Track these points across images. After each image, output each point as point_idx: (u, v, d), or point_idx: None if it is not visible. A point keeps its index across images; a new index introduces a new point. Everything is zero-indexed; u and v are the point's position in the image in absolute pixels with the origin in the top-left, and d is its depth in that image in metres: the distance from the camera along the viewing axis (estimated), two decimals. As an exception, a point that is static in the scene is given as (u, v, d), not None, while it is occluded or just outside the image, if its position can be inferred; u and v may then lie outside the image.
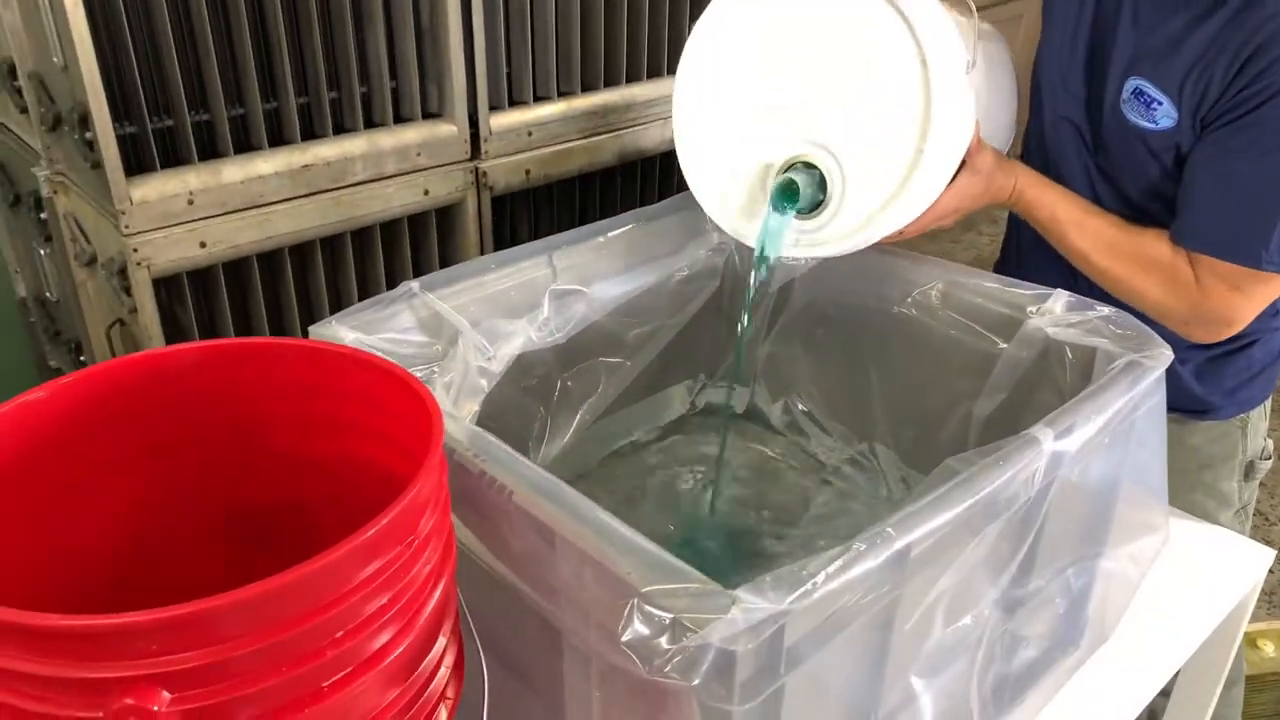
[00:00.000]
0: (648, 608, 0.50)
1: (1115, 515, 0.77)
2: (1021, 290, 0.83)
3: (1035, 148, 1.01)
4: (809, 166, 0.79)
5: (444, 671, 0.53)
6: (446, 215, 1.16)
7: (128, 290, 0.98)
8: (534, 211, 1.25)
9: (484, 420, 0.82)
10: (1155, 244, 0.88)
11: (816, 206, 0.79)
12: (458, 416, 0.66)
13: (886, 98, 0.73)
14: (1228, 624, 0.89)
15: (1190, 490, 1.07)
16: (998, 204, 0.88)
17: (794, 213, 0.79)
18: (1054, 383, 0.80)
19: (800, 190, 0.78)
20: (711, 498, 0.87)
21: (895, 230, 0.76)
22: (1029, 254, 1.07)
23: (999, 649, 0.73)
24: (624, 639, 0.50)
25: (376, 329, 0.76)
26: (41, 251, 1.17)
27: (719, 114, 0.82)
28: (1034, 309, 0.82)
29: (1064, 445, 0.65)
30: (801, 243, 0.81)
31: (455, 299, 0.81)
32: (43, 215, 1.10)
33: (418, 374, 0.76)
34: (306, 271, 1.09)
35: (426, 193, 1.12)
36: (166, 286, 1.01)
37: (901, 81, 0.71)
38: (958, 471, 0.61)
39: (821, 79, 0.75)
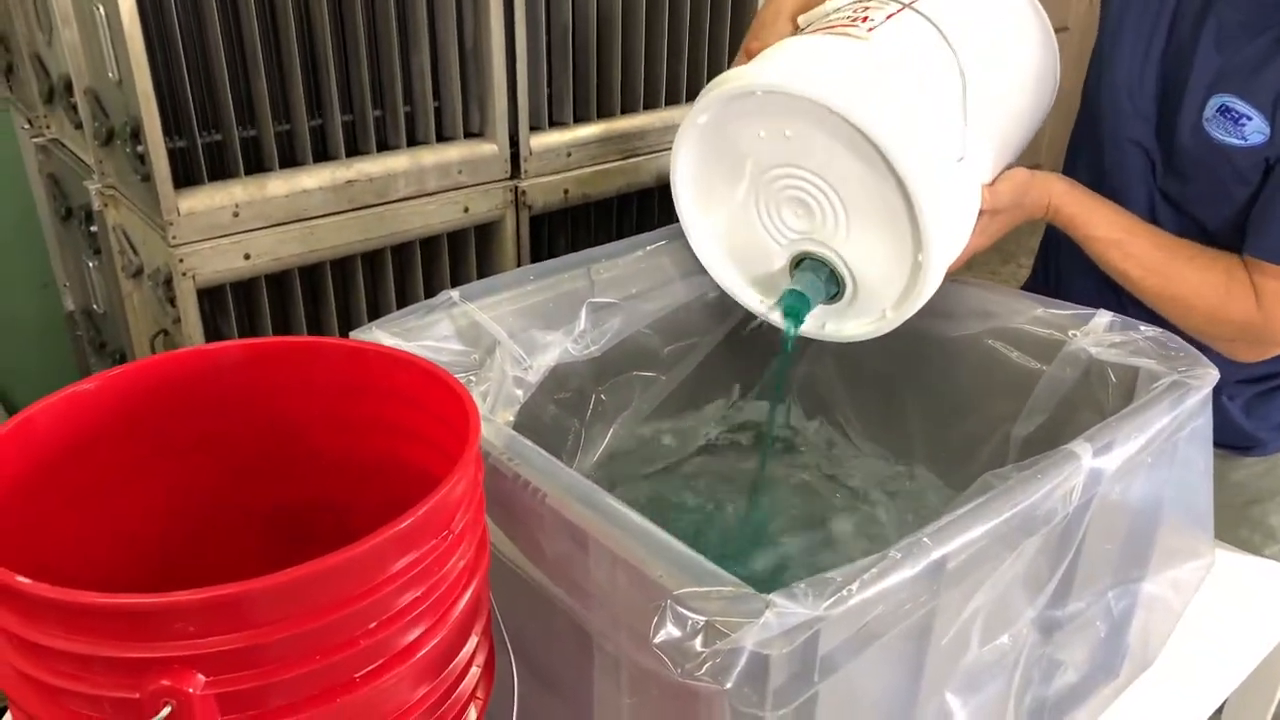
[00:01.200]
0: (680, 610, 0.50)
1: (1158, 539, 0.76)
2: (1062, 311, 0.82)
3: (1088, 165, 1.00)
4: (820, 261, 0.81)
5: (475, 671, 0.53)
6: (485, 233, 1.18)
7: (172, 300, 1.00)
8: (571, 231, 1.26)
9: (519, 430, 0.82)
10: (1208, 256, 0.86)
11: (834, 295, 0.81)
12: (493, 420, 0.66)
13: (875, 210, 0.73)
14: (1277, 654, 0.87)
15: (1236, 526, 1.05)
16: (1033, 219, 0.88)
17: (812, 307, 0.82)
18: (1096, 404, 0.79)
19: (814, 291, 0.80)
20: (746, 515, 0.86)
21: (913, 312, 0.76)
22: (1067, 271, 1.06)
23: (1037, 672, 0.72)
24: (656, 641, 0.50)
25: (416, 336, 0.76)
26: (91, 264, 1.20)
27: (724, 200, 0.84)
28: (1075, 330, 0.81)
29: (1103, 462, 0.64)
30: (827, 329, 0.84)
31: (494, 309, 0.82)
32: (93, 228, 1.13)
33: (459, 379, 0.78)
34: (348, 285, 1.11)
35: (466, 210, 1.13)
36: (210, 297, 1.03)
37: (884, 198, 0.71)
38: (994, 486, 0.60)
39: (817, 183, 0.77)
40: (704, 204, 0.85)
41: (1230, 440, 1.04)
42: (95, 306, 1.23)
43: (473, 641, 0.52)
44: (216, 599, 0.40)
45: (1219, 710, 0.87)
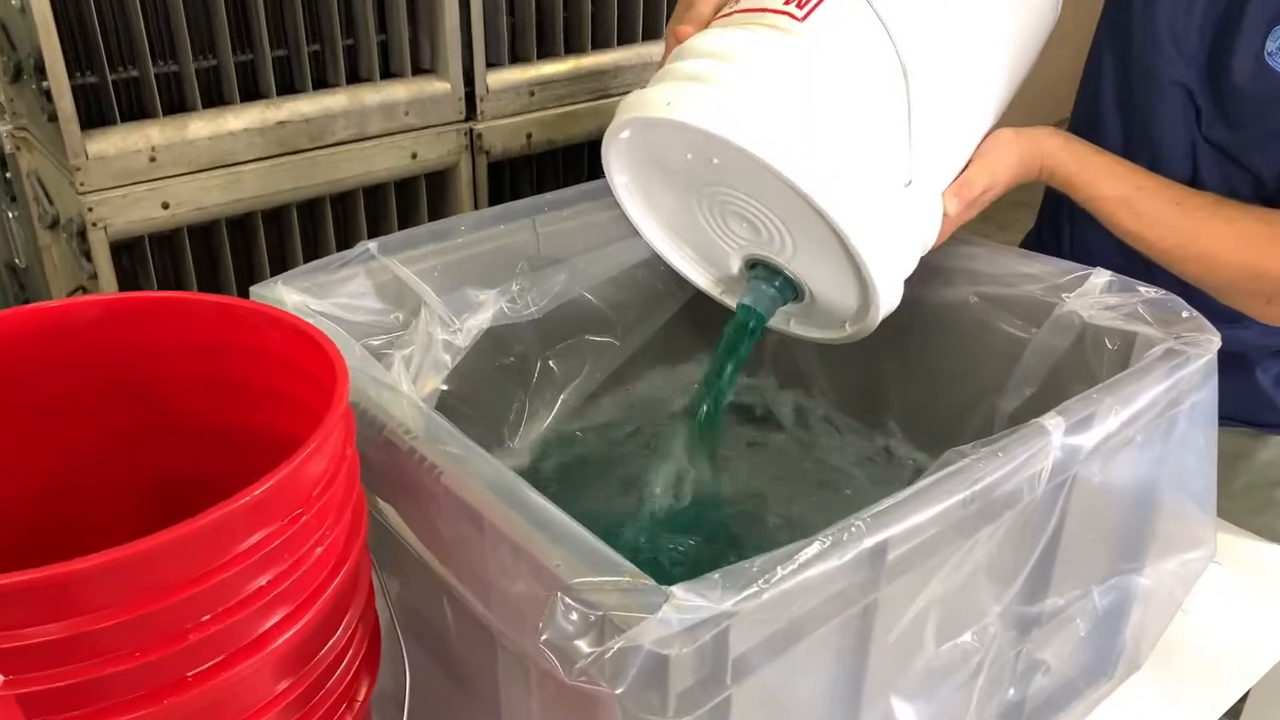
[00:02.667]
0: (571, 603, 0.48)
1: (1154, 526, 0.73)
2: (1054, 268, 0.79)
3: (1116, 113, 0.95)
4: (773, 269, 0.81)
5: (348, 663, 0.51)
6: (437, 182, 1.16)
7: (87, 254, 0.99)
8: (537, 180, 1.23)
9: (452, 400, 0.81)
10: (1233, 207, 0.83)
11: (795, 297, 0.81)
12: (396, 388, 0.64)
13: (817, 236, 0.72)
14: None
15: (1259, 511, 1.02)
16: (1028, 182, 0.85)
17: (767, 319, 0.82)
18: (1090, 375, 0.76)
19: (768, 302, 0.81)
20: (678, 495, 0.85)
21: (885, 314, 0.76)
22: (1081, 228, 1.02)
23: (1010, 673, 0.69)
24: (544, 638, 0.48)
25: (327, 293, 0.74)
26: (10, 215, 1.18)
27: (667, 202, 0.83)
28: (1068, 293, 0.78)
29: (1079, 439, 0.61)
30: (793, 326, 0.84)
31: (419, 264, 0.79)
32: (8, 174, 1.11)
33: (374, 345, 0.76)
34: (284, 239, 1.09)
35: (414, 156, 1.11)
36: (129, 251, 1.01)
37: (823, 227, 0.69)
38: (955, 461, 0.58)
39: (756, 206, 0.75)
40: (647, 204, 0.84)
41: (1259, 417, 1.01)
42: (18, 260, 1.21)
43: (344, 631, 0.50)
44: (14, 585, 0.38)
45: (1240, 705, 0.86)
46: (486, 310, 0.81)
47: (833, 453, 0.96)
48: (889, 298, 0.74)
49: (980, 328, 0.83)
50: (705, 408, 0.83)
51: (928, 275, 0.80)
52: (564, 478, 0.90)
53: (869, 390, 0.95)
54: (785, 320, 0.85)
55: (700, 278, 0.89)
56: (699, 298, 0.91)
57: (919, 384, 0.90)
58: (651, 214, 0.85)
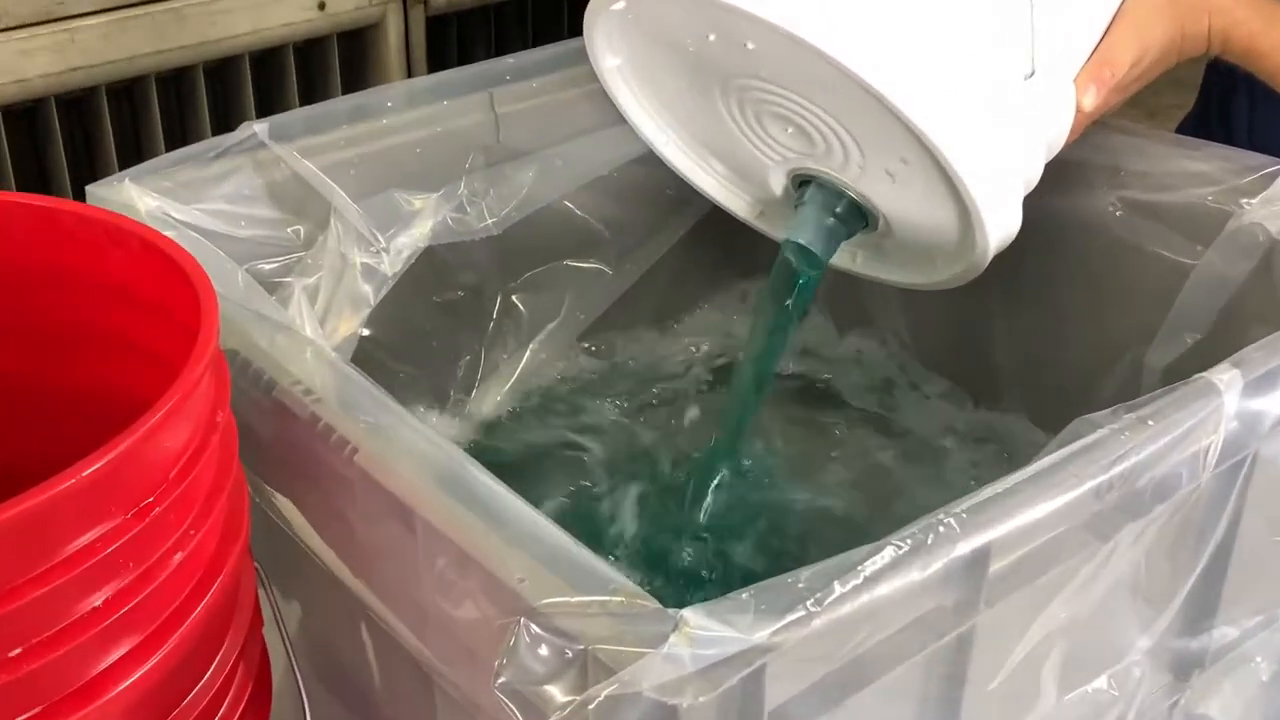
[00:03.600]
0: (541, 632, 0.47)
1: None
2: (1230, 164, 0.78)
3: None
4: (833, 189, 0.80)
5: (224, 716, 0.51)
6: (357, 44, 1.15)
7: None
8: (495, 40, 1.23)
9: (375, 349, 0.81)
10: None
11: (863, 226, 0.81)
12: (290, 329, 0.64)
13: (899, 148, 0.72)
14: None
15: None
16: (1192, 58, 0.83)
17: (825, 261, 0.82)
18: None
19: (828, 237, 0.81)
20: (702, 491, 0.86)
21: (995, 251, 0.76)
22: (1264, 102, 1.01)
23: (1160, 733, 0.70)
24: (501, 681, 0.47)
25: (196, 196, 0.74)
26: None
27: (679, 98, 0.83)
28: (1250, 197, 0.77)
29: (1262, 402, 0.60)
30: (860, 262, 0.86)
31: (328, 155, 0.80)
32: None
33: (264, 270, 0.76)
34: (138, 123, 1.09)
35: (322, 7, 1.10)
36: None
37: (907, 135, 0.69)
38: (1086, 434, 0.58)
39: (808, 109, 0.75)
40: (652, 100, 0.84)
41: None
42: None
43: (218, 673, 0.50)
44: None
45: None
46: (424, 222, 0.81)
47: (914, 424, 0.96)
48: (1002, 228, 0.73)
49: (1123, 249, 0.82)
50: (745, 383, 0.84)
51: (1050, 177, 0.79)
52: (532, 459, 0.90)
53: (966, 338, 0.94)
54: (850, 256, 0.85)
55: (728, 197, 0.88)
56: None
57: (1037, 328, 0.90)
58: (655, 108, 0.85)
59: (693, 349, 1.02)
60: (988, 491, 0.54)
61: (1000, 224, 0.73)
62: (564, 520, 0.53)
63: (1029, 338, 0.91)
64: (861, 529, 0.88)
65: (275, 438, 0.59)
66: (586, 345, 0.97)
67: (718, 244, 0.97)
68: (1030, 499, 0.54)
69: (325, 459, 0.57)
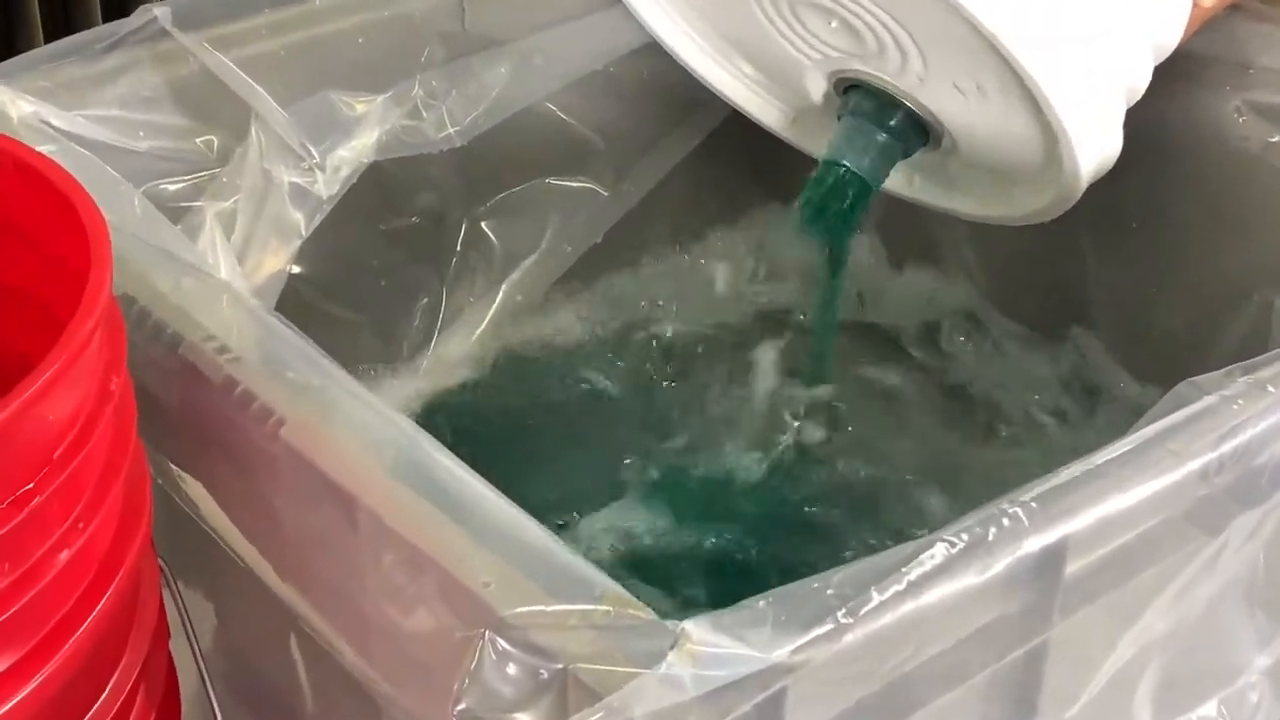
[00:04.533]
0: (510, 648, 0.48)
1: None
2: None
3: None
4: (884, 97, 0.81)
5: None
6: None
7: None
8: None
9: (308, 291, 0.83)
10: None
11: (922, 145, 0.83)
12: (201, 270, 0.64)
13: (967, 51, 0.73)
14: None
15: None
16: None
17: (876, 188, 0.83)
18: None
19: (878, 157, 0.82)
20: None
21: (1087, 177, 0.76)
22: None
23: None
24: (461, 707, 0.48)
25: (82, 100, 0.75)
26: None
27: None
28: None
29: None
30: (918, 186, 0.87)
31: (246, 46, 0.80)
32: None
33: (168, 192, 0.76)
34: (9, 10, 1.09)
35: None
36: None
37: (978, 37, 0.70)
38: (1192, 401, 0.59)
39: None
40: None
41: None
42: None
43: (115, 693, 0.51)
44: None
45: None
46: (368, 132, 0.81)
47: (986, 382, 0.97)
48: (1098, 152, 0.74)
49: (1250, 165, 0.83)
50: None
51: (1158, 76, 0.80)
52: (505, 433, 0.92)
53: (1050, 274, 0.95)
54: (906, 179, 0.86)
55: (754, 103, 0.89)
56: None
57: (1139, 263, 0.91)
58: (668, 8, 0.86)
59: (711, 286, 1.03)
60: (1064, 474, 0.54)
61: (1096, 146, 0.74)
62: (542, 513, 0.53)
63: (1129, 275, 0.92)
64: (920, 512, 0.90)
65: (182, 406, 0.60)
66: (575, 284, 0.98)
67: (741, 156, 0.98)
68: (1118, 483, 0.54)
69: (245, 432, 0.57)
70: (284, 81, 0.79)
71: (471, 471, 0.54)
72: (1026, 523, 0.52)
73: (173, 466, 0.61)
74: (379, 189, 0.83)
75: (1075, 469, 0.55)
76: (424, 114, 0.84)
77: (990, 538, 0.52)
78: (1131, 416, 0.87)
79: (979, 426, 0.95)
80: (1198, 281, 0.88)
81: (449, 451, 0.55)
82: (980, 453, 0.93)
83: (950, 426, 0.95)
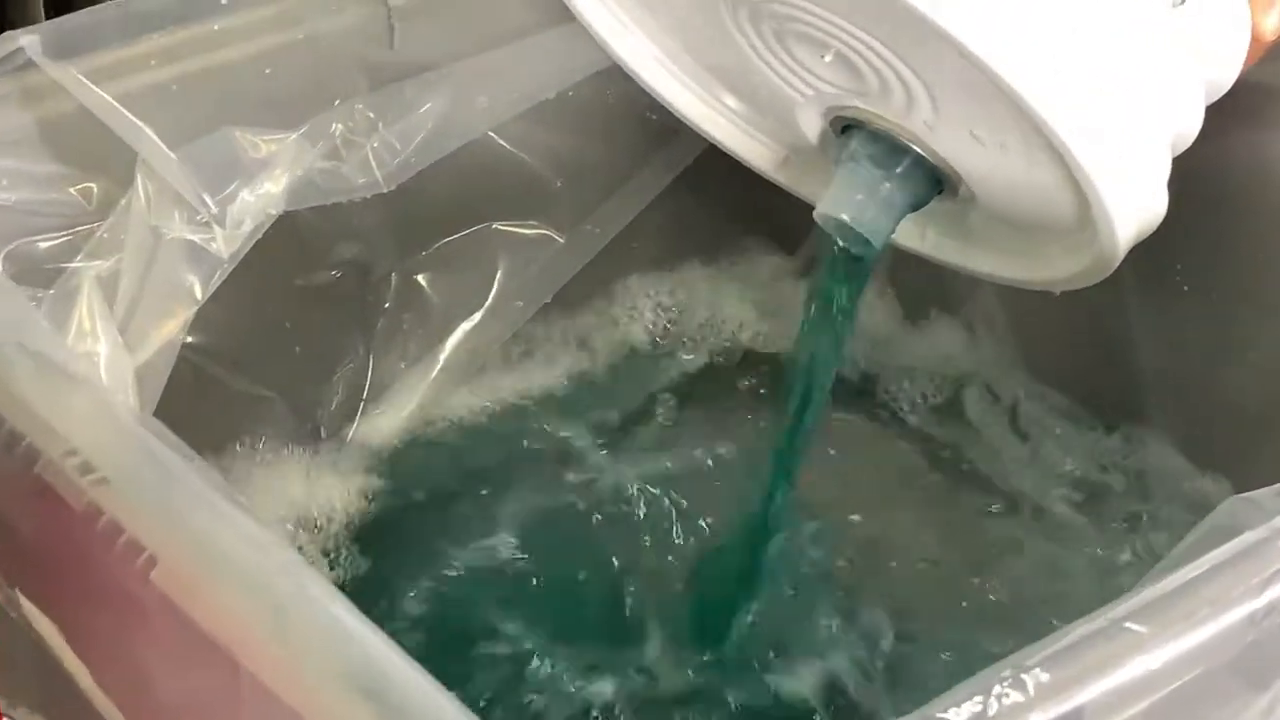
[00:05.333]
0: None
1: None
2: None
3: None
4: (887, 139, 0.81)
5: None
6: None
7: None
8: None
9: (201, 365, 0.82)
10: None
11: (937, 192, 0.83)
12: (70, 371, 0.64)
13: (983, 99, 0.73)
14: None
15: None
16: None
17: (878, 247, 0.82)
18: None
19: (880, 210, 0.81)
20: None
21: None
22: None
23: None
24: None
25: None
26: None
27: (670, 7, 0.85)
28: None
29: None
30: (931, 240, 0.89)
31: (130, 78, 0.80)
32: None
33: (37, 251, 0.76)
34: None
35: None
36: None
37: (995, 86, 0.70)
38: (1242, 528, 0.59)
39: (856, 36, 0.77)
40: (630, 9, 0.86)
41: None
42: None
43: None
44: None
45: None
46: (277, 176, 0.81)
47: (1015, 467, 0.97)
48: (1137, 213, 0.75)
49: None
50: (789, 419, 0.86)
51: (1212, 113, 0.80)
52: (441, 522, 0.92)
53: (1090, 336, 0.96)
54: (918, 231, 0.87)
55: (738, 140, 0.90)
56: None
57: (1196, 332, 0.91)
58: (630, 6, 0.87)
59: (687, 350, 1.04)
60: (1075, 632, 0.54)
61: (1136, 210, 0.74)
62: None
63: (1186, 343, 0.92)
64: (931, 640, 0.90)
65: (38, 535, 0.60)
66: (526, 347, 0.99)
67: (726, 195, 0.99)
68: (1139, 643, 0.54)
69: (109, 572, 0.57)
70: (176, 119, 0.79)
71: (382, 634, 0.54)
72: (1031, 693, 0.52)
73: (24, 601, 0.61)
74: (293, 241, 0.83)
75: (1089, 625, 0.54)
76: (344, 154, 0.83)
77: (991, 714, 0.52)
78: (1189, 515, 0.89)
79: (999, 512, 0.96)
80: (1269, 354, 0.89)
81: (351, 604, 0.55)
82: (1001, 564, 0.93)
83: (964, 515, 0.97)
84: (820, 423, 0.86)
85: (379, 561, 0.84)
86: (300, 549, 0.87)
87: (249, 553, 0.57)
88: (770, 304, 1.08)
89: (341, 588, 0.58)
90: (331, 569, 0.80)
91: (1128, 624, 0.55)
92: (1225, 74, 0.77)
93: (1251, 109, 0.85)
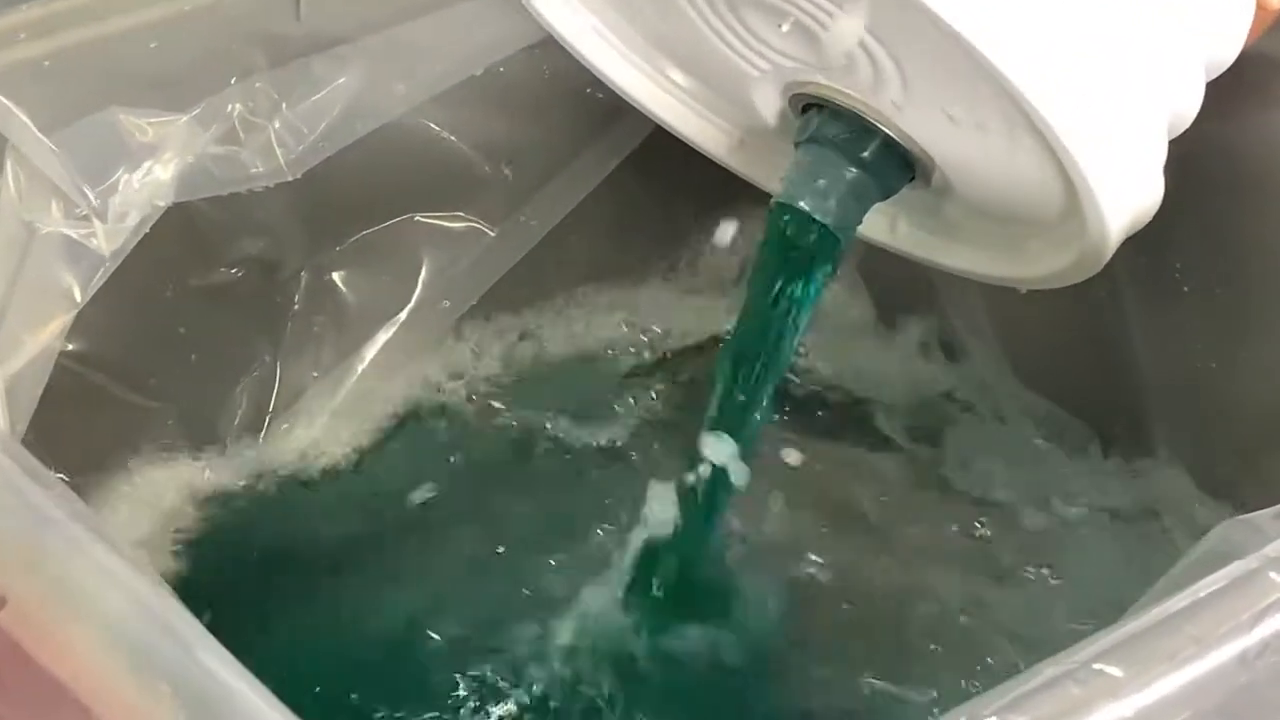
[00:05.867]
0: None
1: None
2: None
3: None
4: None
5: None
6: None
7: None
8: None
9: (83, 375, 0.82)
10: None
11: (909, 179, 0.83)
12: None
13: (959, 74, 0.74)
14: None
15: None
16: None
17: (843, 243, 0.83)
18: None
19: (848, 196, 0.82)
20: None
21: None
22: None
23: None
24: None
25: None
26: None
27: None
28: None
29: None
30: (902, 233, 0.89)
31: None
32: None
33: None
34: None
35: None
36: None
37: (972, 59, 0.71)
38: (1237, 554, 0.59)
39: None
40: None
41: None
42: None
43: None
44: None
45: None
46: (167, 163, 0.81)
47: (1005, 484, 0.98)
48: (1130, 204, 0.75)
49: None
50: (726, 412, 0.85)
51: (1217, 90, 0.80)
52: (352, 551, 0.92)
53: (1085, 341, 0.96)
54: (887, 223, 0.87)
55: (690, 123, 0.90)
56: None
57: (1199, 333, 0.91)
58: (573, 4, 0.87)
59: (628, 355, 1.05)
60: (1048, 670, 0.54)
61: (1129, 199, 0.75)
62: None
63: (1189, 346, 0.92)
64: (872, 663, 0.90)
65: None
66: (460, 351, 0.99)
67: (673, 180, 0.99)
68: (1113, 688, 0.54)
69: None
70: (50, 100, 0.79)
71: (252, 681, 0.54)
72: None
73: None
74: (185, 235, 0.83)
75: (1056, 667, 0.54)
76: (243, 138, 0.83)
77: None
78: (1191, 538, 0.89)
79: (989, 550, 0.96)
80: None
81: (224, 651, 0.55)
82: (985, 588, 0.94)
83: (945, 541, 0.97)
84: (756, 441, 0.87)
85: (269, 599, 0.83)
86: (182, 581, 0.87)
87: (111, 592, 0.57)
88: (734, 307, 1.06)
89: (219, 629, 0.57)
90: (211, 607, 0.80)
91: (1099, 666, 0.55)
92: (1227, 50, 0.78)
93: (1260, 85, 0.86)
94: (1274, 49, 0.84)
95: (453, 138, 0.93)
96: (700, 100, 0.90)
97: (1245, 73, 0.82)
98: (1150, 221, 0.78)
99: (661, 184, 1.00)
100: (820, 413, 1.04)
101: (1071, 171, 0.72)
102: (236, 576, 0.89)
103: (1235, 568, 0.59)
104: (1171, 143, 0.77)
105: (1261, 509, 0.63)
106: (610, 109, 0.95)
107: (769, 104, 0.85)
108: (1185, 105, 0.77)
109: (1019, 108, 0.71)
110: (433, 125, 0.92)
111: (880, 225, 0.88)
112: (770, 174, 0.87)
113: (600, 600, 0.88)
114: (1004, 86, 0.70)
